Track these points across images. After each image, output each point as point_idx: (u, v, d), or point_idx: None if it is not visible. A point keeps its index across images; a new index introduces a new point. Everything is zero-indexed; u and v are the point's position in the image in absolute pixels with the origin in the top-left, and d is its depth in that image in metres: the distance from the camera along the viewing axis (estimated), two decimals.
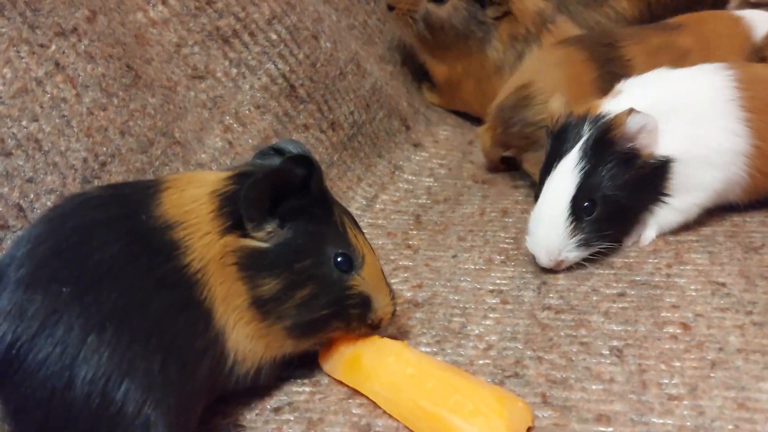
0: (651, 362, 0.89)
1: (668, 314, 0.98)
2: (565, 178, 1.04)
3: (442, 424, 0.80)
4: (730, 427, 0.78)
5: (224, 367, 0.80)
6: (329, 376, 0.92)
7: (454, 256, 1.17)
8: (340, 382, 0.91)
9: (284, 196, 0.81)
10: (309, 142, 1.32)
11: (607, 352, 0.91)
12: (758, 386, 0.84)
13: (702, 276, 1.06)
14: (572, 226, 1.03)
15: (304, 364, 0.92)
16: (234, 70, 1.24)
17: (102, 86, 0.99)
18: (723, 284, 1.03)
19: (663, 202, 1.10)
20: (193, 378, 0.76)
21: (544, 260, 1.05)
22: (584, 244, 1.04)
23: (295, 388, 0.90)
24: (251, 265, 0.80)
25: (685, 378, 0.86)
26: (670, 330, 0.95)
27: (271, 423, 0.85)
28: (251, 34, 1.26)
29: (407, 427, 0.83)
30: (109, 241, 0.74)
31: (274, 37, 1.27)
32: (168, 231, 0.77)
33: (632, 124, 1.02)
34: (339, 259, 0.84)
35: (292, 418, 0.85)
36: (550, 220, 1.04)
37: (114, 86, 1.01)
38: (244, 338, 0.81)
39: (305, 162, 0.82)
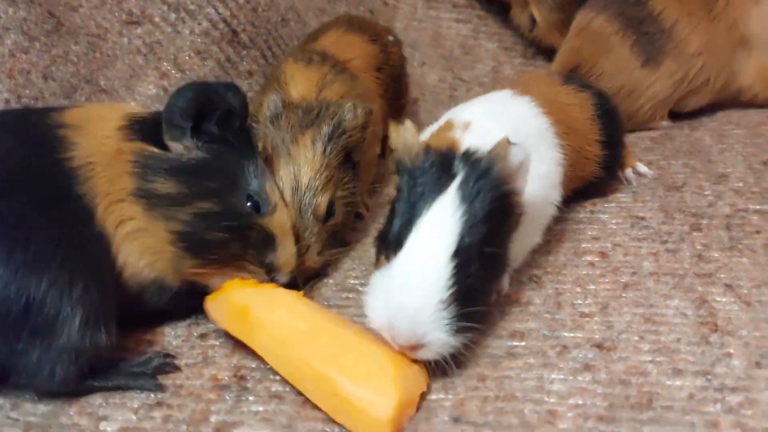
0: (567, 286, 0.93)
1: (588, 245, 1.02)
2: (441, 226, 0.77)
3: (331, 385, 0.73)
4: (636, 338, 0.82)
5: (113, 269, 0.80)
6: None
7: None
8: None
9: (208, 118, 0.82)
10: (253, 89, 1.31)
11: (527, 280, 0.95)
12: (666, 303, 0.88)
13: (624, 211, 1.10)
14: (451, 292, 0.75)
15: None
16: (173, 15, 1.22)
17: (23, 29, 0.99)
18: (642, 218, 1.07)
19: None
20: (88, 270, 0.76)
21: (404, 336, 0.74)
22: (456, 323, 0.76)
23: None
24: (150, 164, 0.80)
25: (598, 298, 0.90)
26: (589, 258, 0.99)
27: (197, 348, 0.87)
28: None
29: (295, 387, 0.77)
30: None
31: None
32: (57, 129, 0.78)
33: (514, 158, 0.79)
34: (248, 200, 0.85)
35: (217, 344, 0.87)
36: (422, 281, 0.75)
37: (35, 30, 1.01)
38: (129, 241, 0.81)
39: (234, 89, 0.83)
